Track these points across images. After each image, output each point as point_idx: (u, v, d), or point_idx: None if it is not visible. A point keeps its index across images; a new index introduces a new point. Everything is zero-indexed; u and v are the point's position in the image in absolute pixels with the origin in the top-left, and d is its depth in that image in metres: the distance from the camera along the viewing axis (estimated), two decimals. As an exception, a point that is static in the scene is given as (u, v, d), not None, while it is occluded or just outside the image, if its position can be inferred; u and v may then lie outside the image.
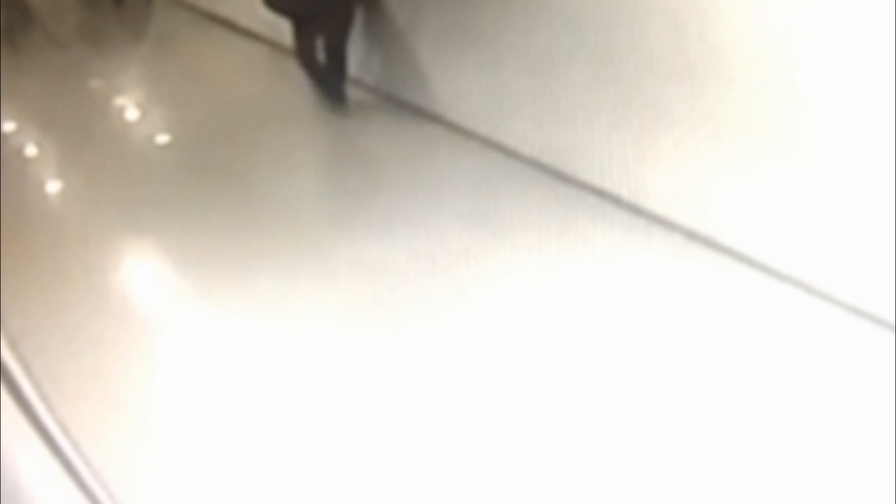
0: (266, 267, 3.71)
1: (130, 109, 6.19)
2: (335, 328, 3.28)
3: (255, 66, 6.27)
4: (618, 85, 3.63)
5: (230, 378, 3.16)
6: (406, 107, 4.88)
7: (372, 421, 2.84)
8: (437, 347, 3.10)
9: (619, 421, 2.69)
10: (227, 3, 6.85)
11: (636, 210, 3.62)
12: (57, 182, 5.15)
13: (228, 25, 6.77)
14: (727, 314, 3.08)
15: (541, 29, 3.92)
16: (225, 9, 6.84)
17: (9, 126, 5.99)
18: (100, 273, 3.93)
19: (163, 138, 5.54)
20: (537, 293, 3.31)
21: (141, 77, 6.75)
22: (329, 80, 5.25)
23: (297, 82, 5.30)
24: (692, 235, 3.41)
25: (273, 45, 6.21)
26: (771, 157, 3.10)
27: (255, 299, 3.53)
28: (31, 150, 5.60)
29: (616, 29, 3.58)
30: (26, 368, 3.18)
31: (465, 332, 3.16)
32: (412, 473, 2.63)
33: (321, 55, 5.19)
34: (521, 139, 4.16)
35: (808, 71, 2.89)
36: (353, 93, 5.16)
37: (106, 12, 8.13)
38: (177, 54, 6.81)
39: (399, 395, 2.92)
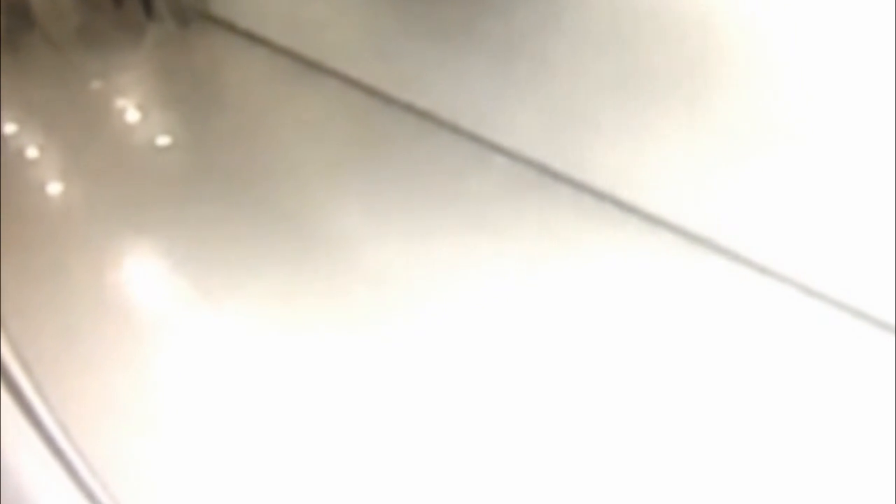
0: (269, 270, 3.70)
1: (131, 111, 6.19)
2: (338, 332, 3.28)
3: (258, 68, 6.27)
4: (618, 85, 3.63)
5: (232, 381, 3.16)
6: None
7: (373, 425, 2.84)
8: (443, 349, 3.10)
9: (619, 423, 2.70)
10: (229, 4, 6.85)
11: (636, 211, 3.62)
12: (58, 183, 5.15)
13: (230, 28, 6.76)
14: (729, 316, 3.08)
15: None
16: (226, 10, 6.84)
17: (10, 128, 5.99)
18: (101, 275, 3.93)
19: (164, 140, 5.53)
20: (532, 295, 3.31)
21: (141, 78, 6.75)
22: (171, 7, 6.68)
23: (305, 84, 5.31)
24: (693, 237, 3.41)
25: (274, 47, 6.22)
26: (773, 157, 3.09)
27: (257, 302, 3.53)
28: (32, 152, 5.60)
29: (614, 29, 3.58)
30: (27, 370, 3.17)
31: (463, 336, 3.16)
32: (415, 478, 2.63)
33: None
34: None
35: (812, 70, 2.89)
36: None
37: (106, 14, 8.13)
38: (177, 56, 6.81)
39: (401, 400, 2.92)
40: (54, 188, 5.12)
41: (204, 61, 6.71)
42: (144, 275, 4.06)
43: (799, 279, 3.08)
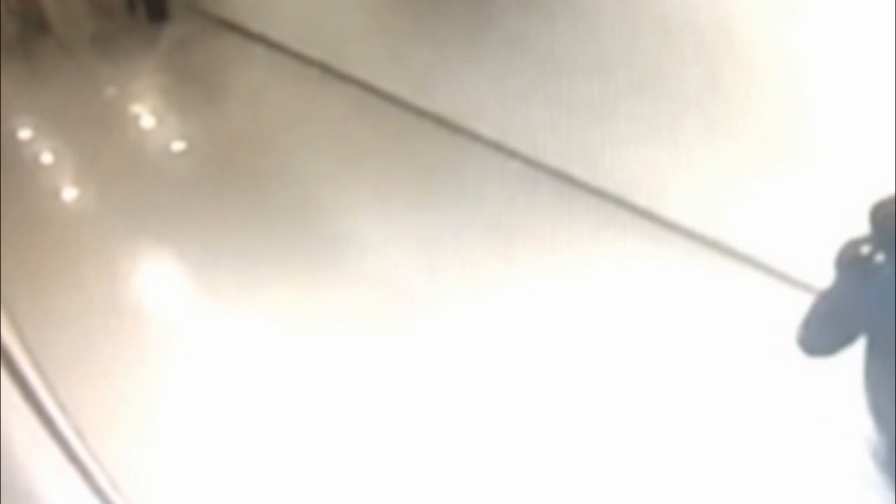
0: (283, 274, 3.71)
1: (145, 116, 6.21)
2: (352, 336, 3.27)
3: (272, 73, 6.29)
4: (635, 93, 3.62)
5: (245, 384, 3.16)
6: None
7: (384, 427, 2.83)
8: (452, 354, 3.10)
9: (634, 426, 2.68)
10: (241, 10, 6.87)
11: (650, 216, 3.61)
12: (73, 189, 5.16)
13: (243, 32, 6.79)
14: (743, 320, 3.06)
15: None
16: (239, 15, 6.86)
17: (25, 133, 6.01)
18: (115, 279, 3.94)
19: (178, 145, 5.55)
20: (547, 299, 3.30)
21: (155, 84, 6.78)
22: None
23: (320, 88, 5.33)
24: (707, 242, 3.40)
25: (288, 52, 6.24)
26: (789, 164, 3.08)
27: (270, 307, 3.52)
28: (46, 158, 5.62)
29: (632, 37, 3.58)
30: (42, 373, 3.18)
31: (478, 338, 3.16)
32: (428, 479, 2.63)
33: None
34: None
35: (827, 77, 2.88)
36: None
37: (120, 20, 8.17)
38: (191, 61, 6.83)
39: (412, 403, 2.92)
40: (69, 193, 5.13)
41: (218, 67, 6.73)
42: (158, 279, 4.07)
43: (813, 284, 3.06)
